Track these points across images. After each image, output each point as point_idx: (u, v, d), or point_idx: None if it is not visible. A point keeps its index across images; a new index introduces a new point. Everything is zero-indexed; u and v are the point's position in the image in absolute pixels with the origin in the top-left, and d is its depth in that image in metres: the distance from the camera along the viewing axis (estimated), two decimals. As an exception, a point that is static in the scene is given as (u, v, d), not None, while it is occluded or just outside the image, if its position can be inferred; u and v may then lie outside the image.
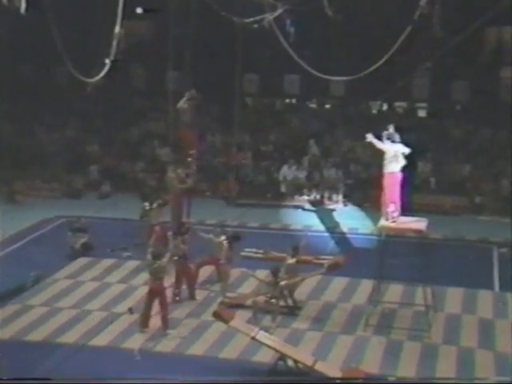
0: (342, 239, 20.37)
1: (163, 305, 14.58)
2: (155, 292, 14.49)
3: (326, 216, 22.53)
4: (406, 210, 14.87)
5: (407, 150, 14.38)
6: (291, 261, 15.50)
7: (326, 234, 20.81)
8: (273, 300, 14.90)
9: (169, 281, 15.60)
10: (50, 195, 24.53)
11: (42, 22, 13.70)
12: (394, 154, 14.33)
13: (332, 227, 21.42)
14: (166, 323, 14.52)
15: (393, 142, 14.47)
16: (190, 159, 18.73)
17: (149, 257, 14.65)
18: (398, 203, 14.57)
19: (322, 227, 21.47)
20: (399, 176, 14.45)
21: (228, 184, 24.56)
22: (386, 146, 14.46)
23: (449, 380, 12.95)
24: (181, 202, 18.54)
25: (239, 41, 21.96)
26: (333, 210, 23.22)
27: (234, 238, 16.47)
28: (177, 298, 15.87)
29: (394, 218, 14.53)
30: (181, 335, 14.41)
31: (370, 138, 14.48)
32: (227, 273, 16.27)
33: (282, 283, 15.05)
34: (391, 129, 14.67)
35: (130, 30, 13.13)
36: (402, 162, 14.42)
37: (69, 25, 16.20)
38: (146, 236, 17.68)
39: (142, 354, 13.54)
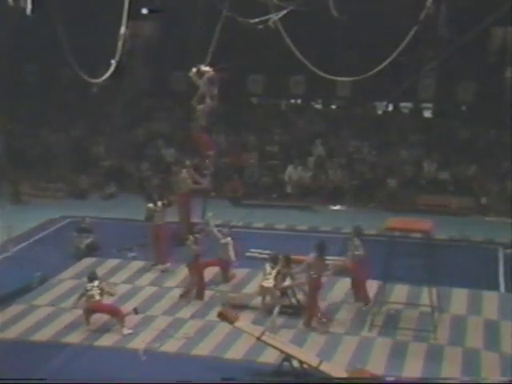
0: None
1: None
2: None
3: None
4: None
5: None
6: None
7: (331, 235, 20.75)
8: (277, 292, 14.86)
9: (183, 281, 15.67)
10: (55, 195, 24.56)
11: (47, 22, 13.73)
12: None
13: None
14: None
15: None
16: (207, 161, 18.78)
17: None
18: None
19: (326, 228, 21.39)
20: None
21: (233, 184, 24.55)
22: None
23: (453, 380, 12.92)
24: (189, 203, 18.55)
25: (244, 41, 21.96)
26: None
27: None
28: (186, 299, 15.90)
29: None
30: (186, 335, 14.41)
31: None
32: (232, 274, 16.26)
33: (287, 284, 15.05)
34: None
35: (135, 30, 13.14)
36: None
37: (74, 25, 16.21)
38: (151, 236, 17.71)
39: (147, 355, 13.56)
